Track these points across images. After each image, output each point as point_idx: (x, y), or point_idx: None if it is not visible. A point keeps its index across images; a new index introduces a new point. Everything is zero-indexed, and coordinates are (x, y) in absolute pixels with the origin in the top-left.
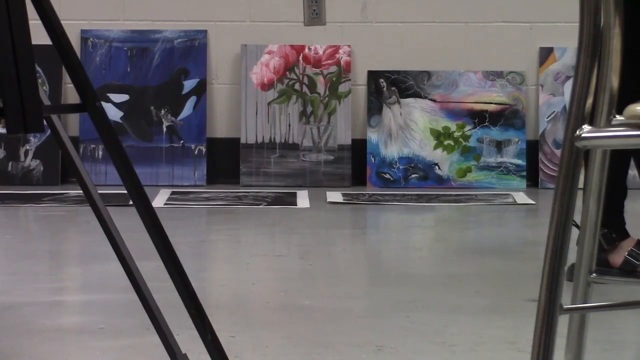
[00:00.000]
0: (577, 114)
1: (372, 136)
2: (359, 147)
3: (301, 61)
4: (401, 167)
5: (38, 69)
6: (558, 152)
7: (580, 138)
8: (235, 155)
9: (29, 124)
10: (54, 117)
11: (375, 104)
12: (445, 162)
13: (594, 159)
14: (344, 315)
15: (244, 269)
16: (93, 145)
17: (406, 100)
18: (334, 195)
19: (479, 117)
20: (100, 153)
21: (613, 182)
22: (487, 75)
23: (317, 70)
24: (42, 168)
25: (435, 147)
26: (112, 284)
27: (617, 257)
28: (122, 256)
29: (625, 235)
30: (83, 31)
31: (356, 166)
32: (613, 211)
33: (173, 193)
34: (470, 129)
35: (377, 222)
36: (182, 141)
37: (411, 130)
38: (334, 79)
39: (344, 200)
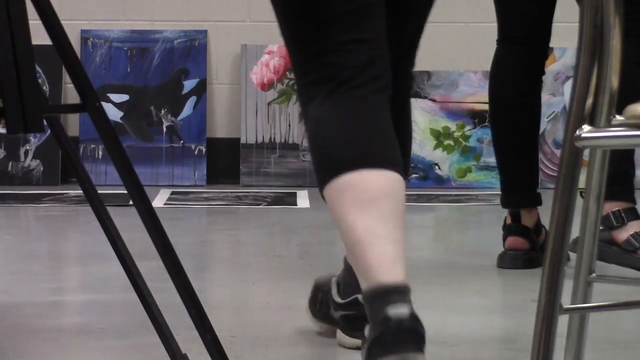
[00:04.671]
0: (577, 114)
1: None
2: None
3: None
4: None
5: (38, 69)
6: (558, 152)
7: (580, 138)
8: (235, 155)
9: (29, 124)
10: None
11: None
12: (445, 162)
13: (594, 159)
14: None
15: (244, 269)
16: (93, 145)
17: None
18: None
19: (479, 117)
20: (100, 153)
21: (620, 158)
22: (487, 75)
23: None
24: (42, 168)
25: (435, 147)
26: (112, 284)
27: (622, 234)
28: (122, 256)
29: (635, 217)
30: (83, 31)
31: None
32: (620, 174)
33: (173, 193)
34: (470, 129)
35: None
36: (182, 141)
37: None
38: None
39: None
